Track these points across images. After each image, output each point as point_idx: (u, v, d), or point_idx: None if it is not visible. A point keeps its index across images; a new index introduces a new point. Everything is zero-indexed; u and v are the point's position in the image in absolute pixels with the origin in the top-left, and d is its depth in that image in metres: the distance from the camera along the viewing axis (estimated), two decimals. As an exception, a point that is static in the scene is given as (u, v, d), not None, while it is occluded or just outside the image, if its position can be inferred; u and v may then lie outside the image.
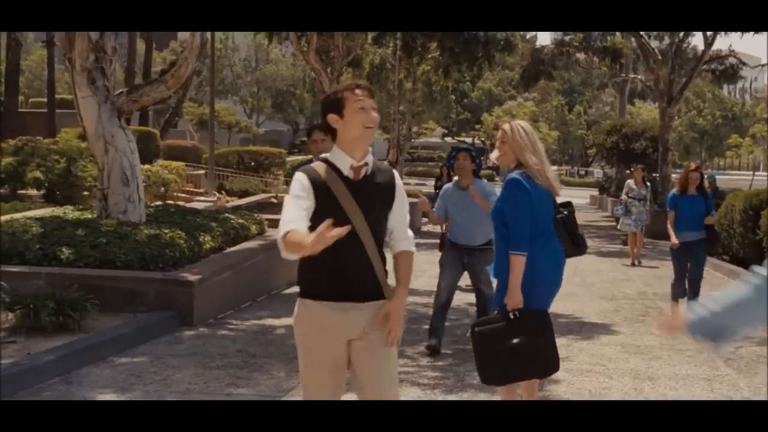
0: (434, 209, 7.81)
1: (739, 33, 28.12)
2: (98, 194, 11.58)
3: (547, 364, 4.96)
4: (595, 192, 44.44)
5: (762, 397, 6.32)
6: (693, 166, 10.11)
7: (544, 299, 5.05)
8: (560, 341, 6.13)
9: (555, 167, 35.89)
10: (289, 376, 6.51)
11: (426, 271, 12.19)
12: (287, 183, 33.06)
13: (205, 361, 7.01)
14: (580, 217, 7.77)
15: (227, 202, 24.41)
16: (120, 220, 10.65)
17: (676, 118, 63.45)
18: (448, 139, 75.18)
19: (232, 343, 7.81)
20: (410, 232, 3.74)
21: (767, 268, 2.85)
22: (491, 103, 70.99)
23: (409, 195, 4.95)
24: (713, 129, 72.56)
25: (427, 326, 7.88)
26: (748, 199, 14.34)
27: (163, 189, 23.45)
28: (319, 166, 3.58)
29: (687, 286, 9.76)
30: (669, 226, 9.81)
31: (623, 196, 16.48)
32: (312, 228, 3.28)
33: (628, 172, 33.43)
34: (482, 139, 70.08)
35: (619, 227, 17.19)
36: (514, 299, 4.85)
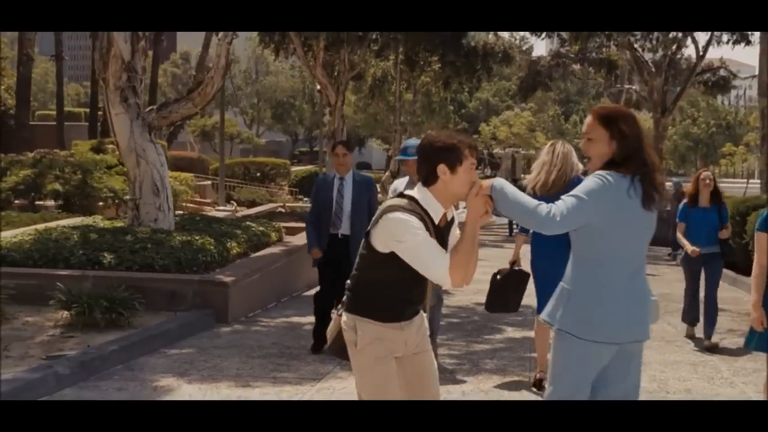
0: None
1: (730, 44, 29.11)
2: (130, 204, 12.44)
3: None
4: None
5: (744, 382, 7.17)
6: (704, 172, 9.25)
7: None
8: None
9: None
10: (324, 363, 7.36)
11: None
12: (292, 193, 33.80)
13: (246, 352, 7.87)
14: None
15: (239, 212, 25.24)
16: (152, 228, 11.51)
17: (671, 127, 64.49)
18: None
19: (266, 337, 8.67)
20: None
21: None
22: (489, 113, 71.91)
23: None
24: (708, 137, 73.52)
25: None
26: (736, 205, 15.22)
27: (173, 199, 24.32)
28: (416, 210, 3.62)
29: (702, 308, 8.99)
30: (679, 235, 9.05)
31: None
32: (391, 276, 3.65)
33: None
34: (480, 148, 71.05)
35: None
36: None
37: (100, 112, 39.98)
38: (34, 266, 9.91)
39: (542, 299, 6.09)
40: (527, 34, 46.38)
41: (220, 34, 12.46)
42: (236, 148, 74.23)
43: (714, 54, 32.79)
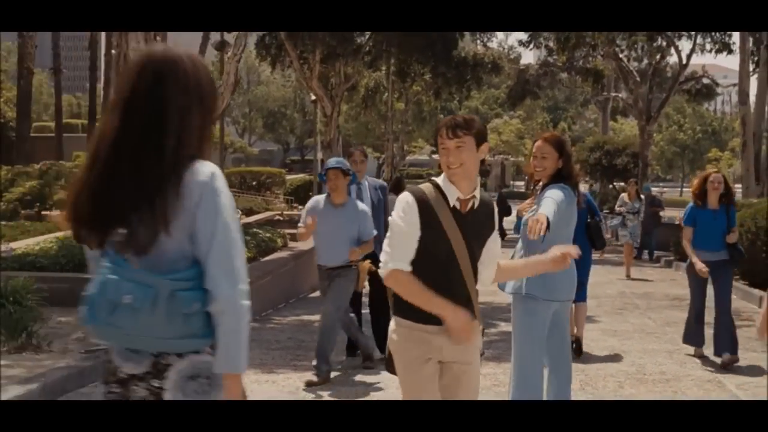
0: (299, 224, 7.39)
1: (713, 53, 29.97)
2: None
3: None
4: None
5: (714, 367, 8.00)
6: (713, 173, 8.29)
7: None
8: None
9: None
10: (337, 354, 8.15)
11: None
12: (287, 202, 34.39)
13: (265, 345, 8.69)
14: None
15: (242, 219, 25.97)
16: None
17: (658, 133, 65.46)
18: (435, 156, 77.06)
19: (281, 333, 9.50)
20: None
21: None
22: (478, 121, 72.69)
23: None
24: (694, 143, 74.52)
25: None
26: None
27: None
28: (429, 192, 3.58)
29: (715, 325, 8.15)
30: (685, 243, 8.22)
31: (618, 209, 17.08)
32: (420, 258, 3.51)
33: (611, 186, 35.30)
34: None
35: (621, 237, 17.57)
36: None
37: (98, 124, 40.81)
38: (61, 271, 10.70)
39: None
40: (515, 43, 47.18)
41: (230, 53, 13.30)
42: (229, 157, 75.02)
43: (700, 60, 33.56)
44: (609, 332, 9.82)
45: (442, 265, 3.51)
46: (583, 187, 11.68)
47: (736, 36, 27.08)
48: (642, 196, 17.87)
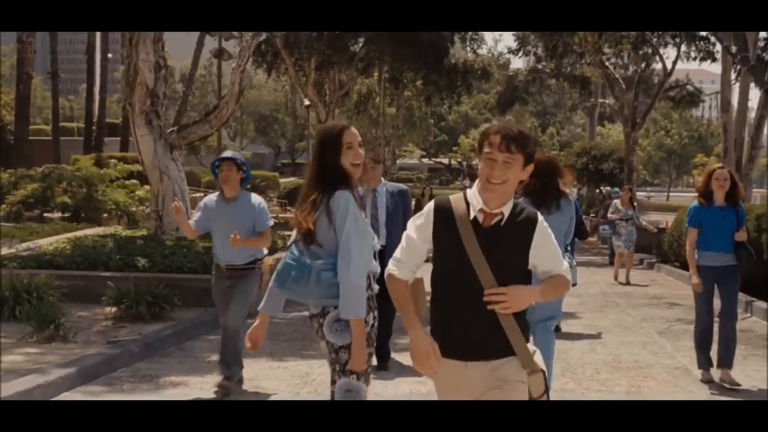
0: (192, 220, 6.97)
1: (697, 61, 30.70)
2: (153, 215, 13.98)
3: None
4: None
5: (683, 356, 8.76)
6: (718, 169, 7.61)
7: None
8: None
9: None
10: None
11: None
12: (281, 205, 35.06)
13: (273, 337, 9.39)
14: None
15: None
16: (176, 236, 13.02)
17: (645, 138, 66.28)
18: (425, 160, 77.97)
19: (287, 326, 10.21)
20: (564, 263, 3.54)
21: None
22: (467, 126, 73.61)
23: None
24: (680, 148, 75.47)
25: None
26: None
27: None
28: (454, 201, 3.41)
29: (719, 339, 7.59)
30: (689, 249, 7.57)
31: (610, 215, 16.72)
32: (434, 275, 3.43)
33: (598, 191, 36.11)
34: (459, 160, 72.77)
35: (615, 248, 16.97)
36: None
37: (94, 127, 41.42)
38: (77, 269, 11.41)
39: None
40: (504, 50, 47.88)
41: (234, 63, 14.03)
42: (220, 160, 75.53)
43: (685, 67, 34.30)
44: (590, 327, 10.60)
45: (457, 278, 3.32)
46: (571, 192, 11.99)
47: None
48: (635, 204, 17.44)
